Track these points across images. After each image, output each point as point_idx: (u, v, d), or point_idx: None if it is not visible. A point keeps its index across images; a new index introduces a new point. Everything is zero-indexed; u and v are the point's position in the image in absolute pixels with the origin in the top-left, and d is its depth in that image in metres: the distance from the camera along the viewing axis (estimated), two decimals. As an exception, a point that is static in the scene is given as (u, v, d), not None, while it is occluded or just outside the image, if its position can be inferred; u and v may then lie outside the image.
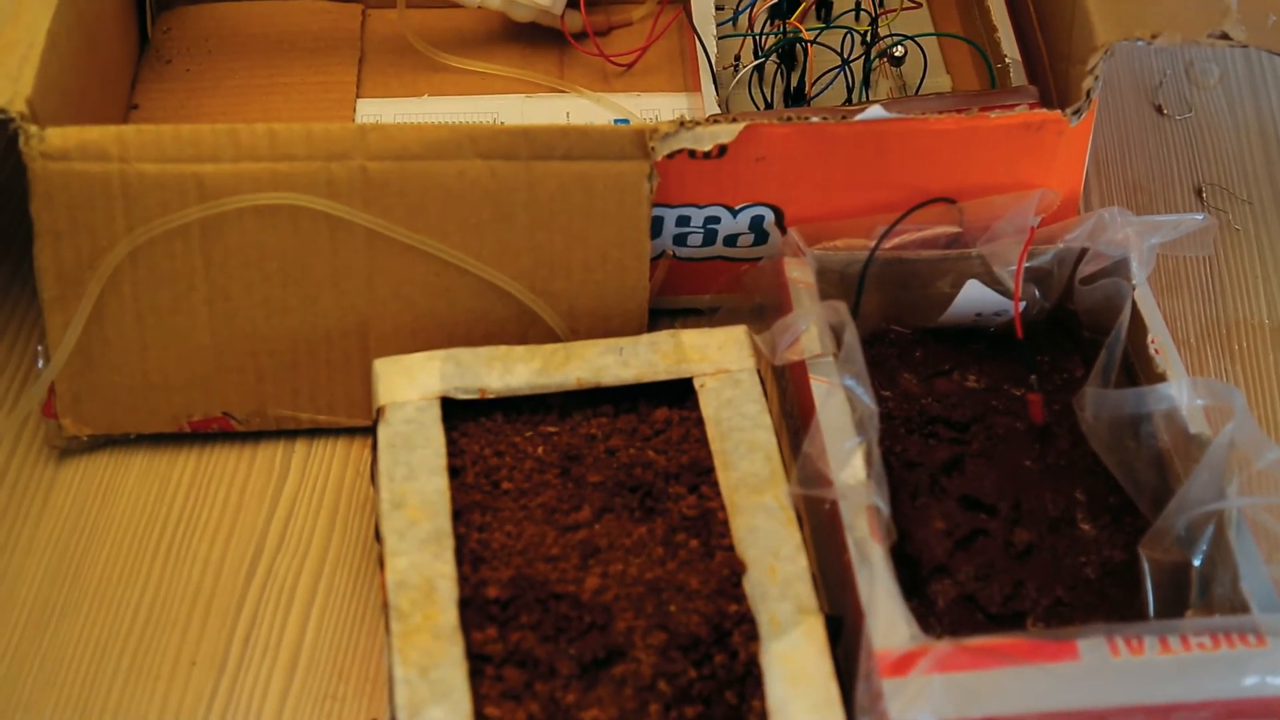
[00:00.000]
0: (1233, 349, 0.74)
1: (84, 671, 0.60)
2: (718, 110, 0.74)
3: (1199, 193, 0.81)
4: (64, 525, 0.65)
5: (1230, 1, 0.68)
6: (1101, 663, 0.52)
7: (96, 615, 0.62)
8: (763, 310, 0.69)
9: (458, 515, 0.59)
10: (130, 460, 0.67)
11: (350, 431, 0.68)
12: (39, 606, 0.62)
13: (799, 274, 0.66)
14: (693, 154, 0.66)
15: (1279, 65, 0.88)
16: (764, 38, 0.79)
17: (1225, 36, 0.67)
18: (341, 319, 0.66)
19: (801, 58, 0.78)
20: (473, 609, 0.56)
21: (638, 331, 0.68)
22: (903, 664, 0.52)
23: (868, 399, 0.60)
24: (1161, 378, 0.63)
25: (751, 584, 0.56)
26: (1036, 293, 0.68)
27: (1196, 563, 0.58)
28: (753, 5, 0.80)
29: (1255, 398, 0.72)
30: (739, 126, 0.65)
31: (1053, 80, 0.73)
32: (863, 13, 0.81)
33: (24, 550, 0.64)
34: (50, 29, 0.65)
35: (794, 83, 0.78)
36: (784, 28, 0.78)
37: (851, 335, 0.62)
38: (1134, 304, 0.65)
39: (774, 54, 0.78)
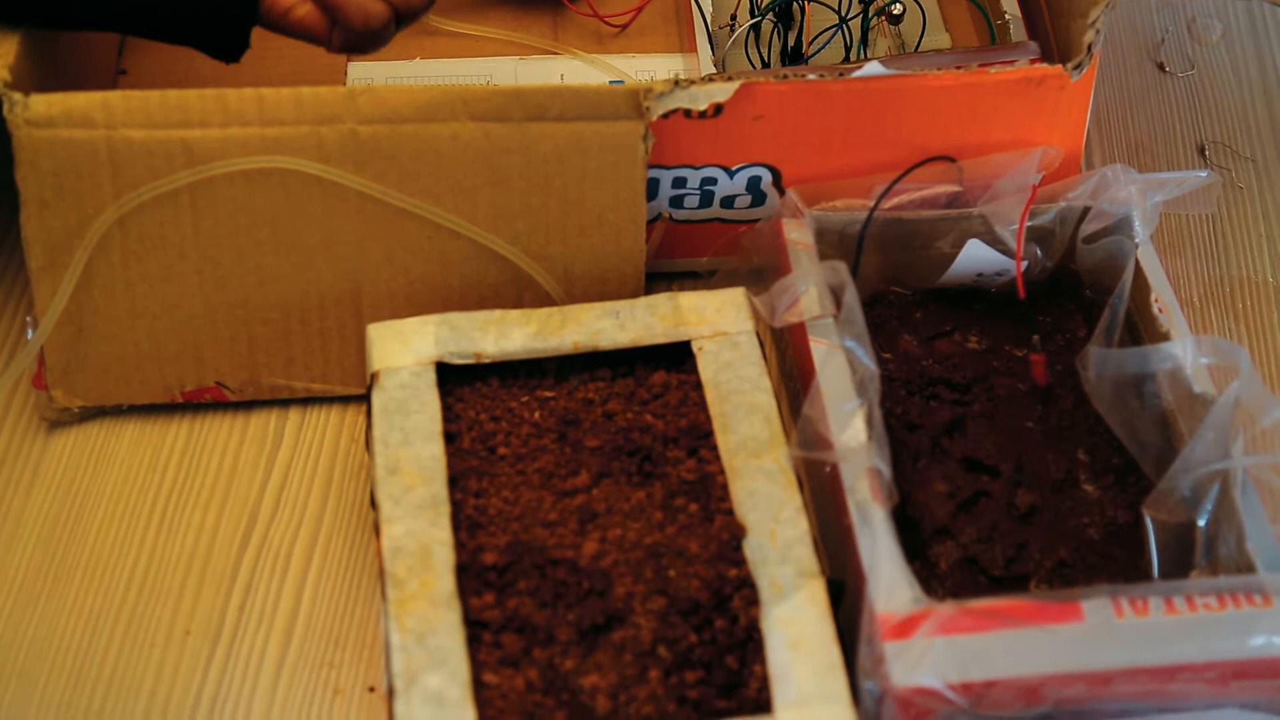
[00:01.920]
0: (1236, 308, 0.73)
1: (78, 641, 0.60)
2: (714, 70, 0.73)
3: (1202, 150, 0.80)
4: (56, 495, 0.64)
5: (1233, -45, 0.67)
6: (1106, 624, 0.52)
7: (90, 584, 0.62)
8: (761, 272, 0.68)
9: (454, 481, 0.58)
10: (122, 430, 0.67)
11: (344, 399, 0.68)
12: (32, 576, 0.62)
13: (797, 235, 0.65)
14: (688, 114, 0.65)
15: (1282, 20, 0.87)
16: (760, -4, 0.78)
17: (1229, -10, 0.66)
18: (334, 285, 0.65)
19: (798, 16, 0.77)
20: (470, 575, 0.56)
21: (635, 294, 0.67)
22: (905, 627, 0.52)
23: (868, 360, 0.59)
24: (1165, 337, 0.62)
25: (752, 548, 0.56)
26: (1038, 252, 0.67)
27: (1201, 523, 0.57)
28: (749, -36, 0.79)
29: (1259, 356, 0.71)
30: (735, 85, 0.65)
31: (1053, 35, 0.73)
32: (860, -30, 0.80)
33: (15, 520, 0.64)
34: (35, -7, 0.64)
35: (791, 42, 0.77)
36: (780, -14, 0.77)
37: (851, 296, 0.61)
38: (1137, 263, 0.64)
39: (770, 13, 0.77)
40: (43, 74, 0.64)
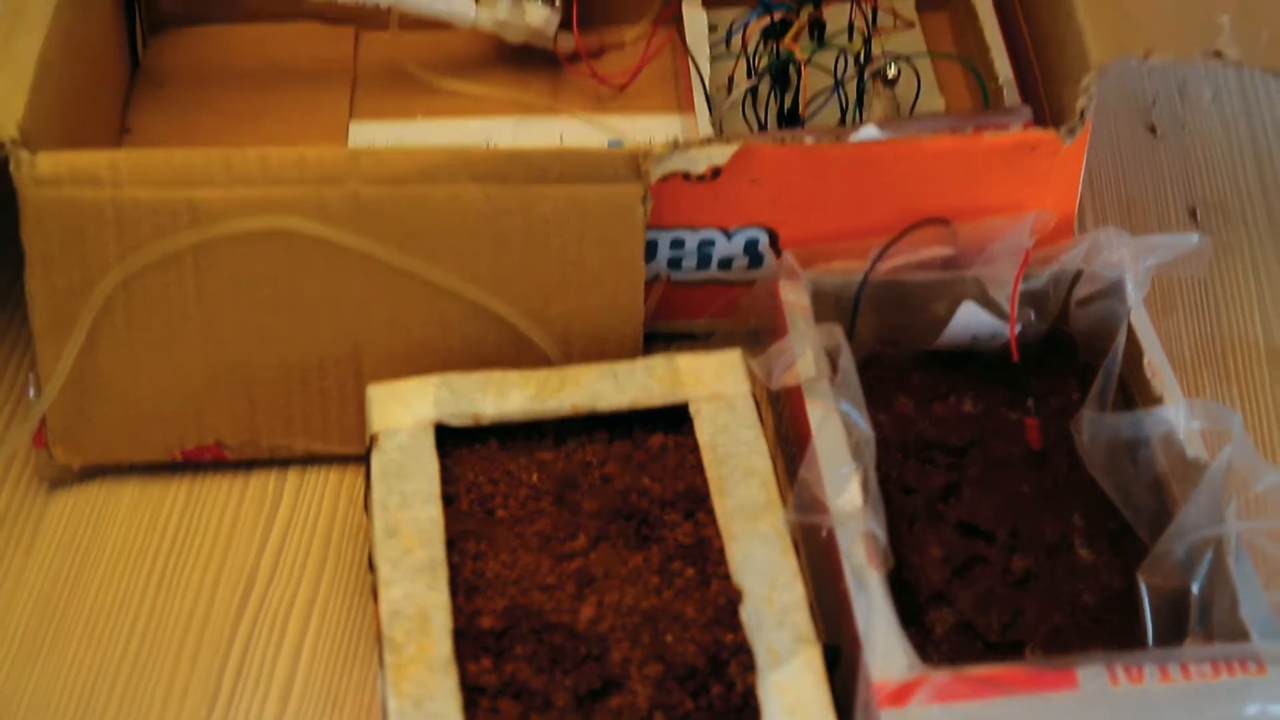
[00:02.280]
0: (1228, 369, 0.74)
1: (76, 702, 0.60)
2: (711, 132, 0.74)
3: (1193, 212, 0.81)
4: (55, 555, 0.65)
5: (1223, 20, 0.68)
6: (1101, 692, 0.52)
7: (88, 645, 0.62)
8: (758, 334, 0.68)
9: (452, 544, 0.59)
10: (121, 490, 0.67)
11: (344, 459, 0.68)
12: (31, 634, 0.62)
13: (794, 297, 0.66)
14: (687, 176, 0.66)
15: (1272, 84, 0.88)
16: (757, 59, 0.79)
17: (1218, 55, 0.67)
18: (335, 346, 0.66)
19: (795, 79, 0.78)
20: (467, 639, 0.56)
21: (633, 356, 0.67)
22: (901, 694, 0.52)
23: (864, 424, 0.60)
24: (1158, 401, 0.63)
25: (748, 613, 0.56)
26: (1032, 315, 0.67)
27: (1195, 589, 0.57)
28: (746, 26, 0.80)
29: (1251, 418, 0.71)
30: (733, 148, 0.65)
31: (1046, 100, 0.73)
32: (856, 33, 0.81)
33: (14, 580, 0.64)
34: (42, 54, 0.65)
35: (788, 104, 0.78)
36: (777, 49, 0.78)
37: (847, 359, 0.62)
38: (1129, 326, 0.65)
39: (767, 75, 0.78)
40: (50, 131, 0.65)
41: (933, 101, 0.80)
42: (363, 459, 0.65)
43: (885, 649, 0.53)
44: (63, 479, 0.67)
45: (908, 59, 0.78)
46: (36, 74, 0.64)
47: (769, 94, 0.78)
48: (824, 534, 0.58)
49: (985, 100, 0.78)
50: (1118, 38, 0.67)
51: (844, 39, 0.81)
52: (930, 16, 0.85)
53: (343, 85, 0.81)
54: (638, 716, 0.54)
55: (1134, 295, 0.66)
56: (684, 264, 0.69)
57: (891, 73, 0.78)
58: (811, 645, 0.55)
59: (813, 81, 0.78)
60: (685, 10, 0.80)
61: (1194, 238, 0.67)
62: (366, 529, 0.62)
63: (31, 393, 0.65)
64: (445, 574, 0.57)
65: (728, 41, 0.81)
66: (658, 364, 0.64)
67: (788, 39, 0.79)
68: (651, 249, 0.68)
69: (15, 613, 0.63)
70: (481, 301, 0.65)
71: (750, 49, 0.79)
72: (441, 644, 0.55)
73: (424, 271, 0.65)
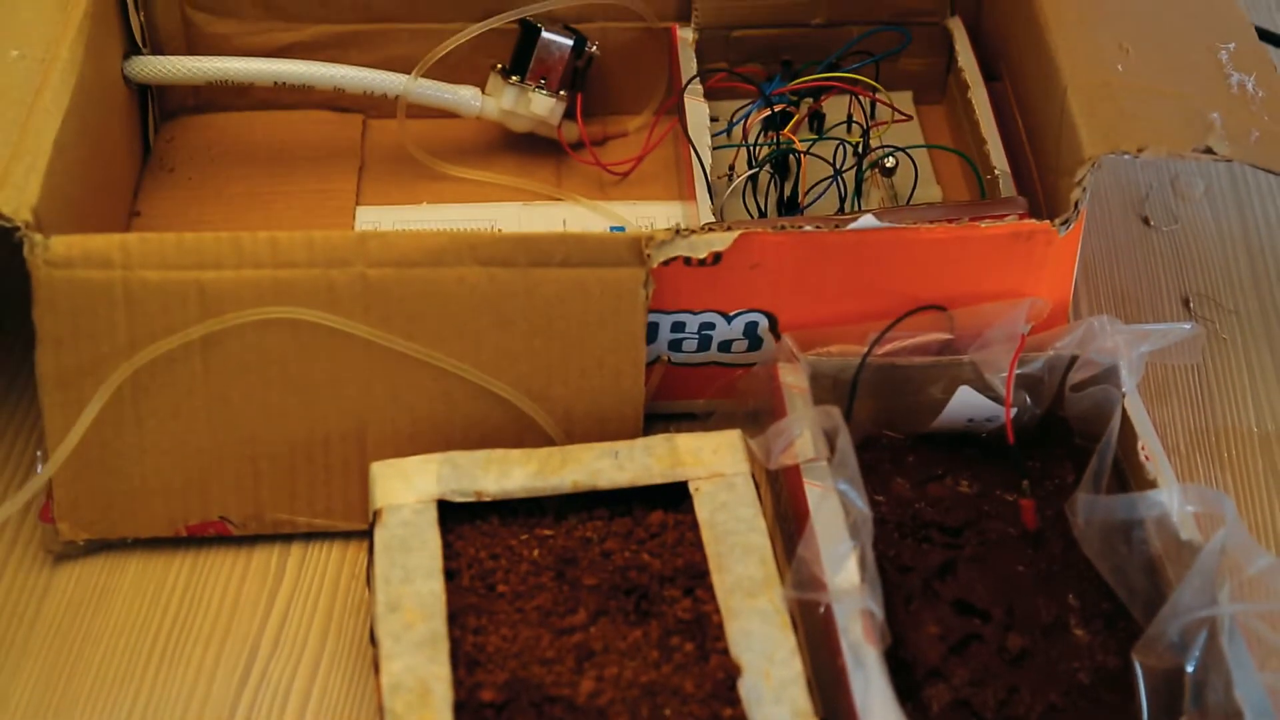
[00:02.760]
0: (1222, 456, 0.74)
1: (76, 776, 0.60)
2: (712, 219, 0.75)
3: (1186, 302, 0.82)
4: (58, 629, 0.65)
5: (1214, 117, 0.69)
6: (1097, 769, 0.52)
7: (91, 719, 0.62)
8: (757, 415, 0.69)
9: (453, 618, 0.59)
10: (125, 564, 0.68)
11: (346, 535, 0.69)
12: (33, 710, 0.62)
13: (793, 379, 0.67)
14: (688, 261, 0.67)
15: (1263, 179, 0.90)
16: (758, 148, 0.80)
17: (1209, 151, 0.68)
18: (340, 423, 0.66)
19: (794, 168, 0.80)
20: (468, 712, 0.56)
21: (633, 435, 0.68)
22: (898, 769, 0.52)
23: (861, 503, 0.60)
24: (1152, 484, 0.64)
25: (747, 688, 0.56)
26: (1028, 399, 0.68)
27: (1190, 669, 0.58)
28: (747, 117, 0.82)
29: (1244, 505, 0.72)
30: (734, 234, 0.67)
31: (1041, 191, 0.75)
32: (854, 125, 0.83)
33: (19, 654, 0.64)
34: (56, 139, 0.66)
35: (787, 192, 0.79)
36: (777, 139, 0.80)
37: (845, 440, 0.62)
38: (1124, 411, 0.66)
39: (768, 164, 0.79)
40: (62, 214, 0.66)
41: (930, 192, 0.82)
42: (365, 534, 0.65)
43: (882, 724, 0.53)
44: (68, 553, 0.67)
45: (905, 150, 0.80)
46: (51, 159, 0.65)
47: (769, 182, 0.80)
48: (822, 611, 0.59)
49: (981, 191, 0.80)
50: (1111, 133, 0.69)
51: (843, 130, 0.83)
52: (927, 110, 0.87)
53: (350, 171, 0.83)
54: (636, 790, 0.54)
55: (1128, 381, 0.67)
56: (684, 346, 0.71)
57: (889, 163, 0.80)
58: (809, 720, 0.55)
59: (812, 172, 0.80)
60: (687, 101, 0.81)
61: (1187, 325, 0.68)
62: (368, 603, 0.63)
63: (39, 468, 0.66)
64: (446, 647, 0.57)
65: (729, 131, 0.83)
66: (658, 443, 0.65)
67: (788, 129, 0.80)
68: (653, 331, 0.69)
69: (18, 686, 0.63)
70: (484, 384, 0.66)
71: (751, 138, 0.81)
72: (442, 716, 0.55)
73: (428, 356, 0.66)
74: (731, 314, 0.70)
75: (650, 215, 0.81)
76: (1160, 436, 0.66)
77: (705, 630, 0.59)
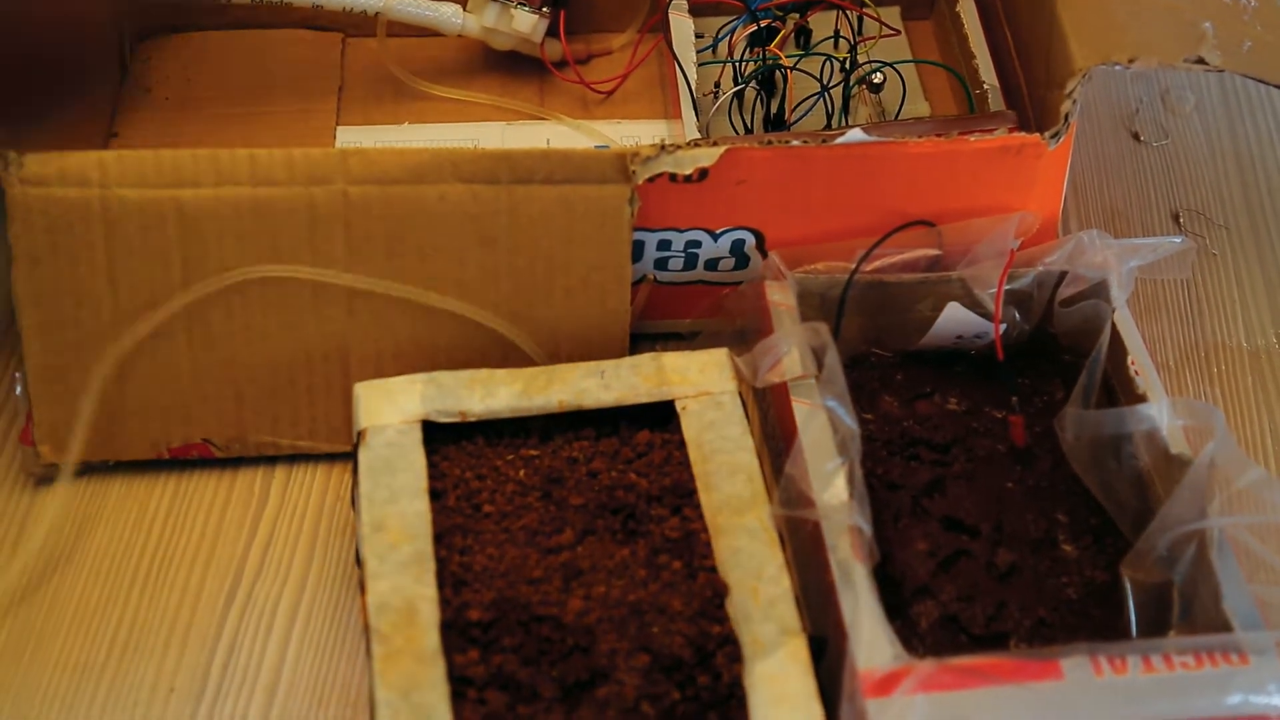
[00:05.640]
0: (1211, 371, 0.74)
1: (62, 698, 0.60)
2: (698, 136, 0.74)
3: (1176, 218, 0.82)
4: (41, 552, 0.64)
5: (1206, 27, 0.68)
6: (1085, 682, 0.52)
7: (74, 642, 0.62)
8: (744, 333, 0.69)
9: (439, 538, 0.59)
10: (108, 487, 0.67)
11: (330, 457, 0.68)
12: (15, 634, 0.62)
13: (780, 297, 0.66)
14: (674, 178, 0.66)
15: (1254, 91, 0.89)
16: (744, 65, 0.79)
17: (1201, 61, 0.67)
18: (322, 345, 0.66)
19: (781, 84, 0.79)
20: (454, 632, 0.56)
21: (619, 355, 0.68)
22: (886, 684, 0.52)
23: (849, 420, 0.60)
24: (1142, 399, 0.63)
25: (734, 605, 0.56)
26: (1016, 315, 0.68)
27: (1178, 582, 0.58)
28: (732, 33, 0.80)
29: (1234, 419, 0.72)
30: (720, 150, 0.66)
31: (1030, 105, 0.74)
32: (841, 40, 0.81)
33: (0, 576, 0.64)
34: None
35: (774, 109, 0.78)
36: (764, 55, 0.79)
37: (833, 357, 0.62)
38: (1113, 326, 0.65)
39: (754, 80, 0.78)
40: (36, 137, 0.65)
41: (918, 107, 0.81)
42: (349, 456, 0.65)
43: (871, 639, 0.53)
44: (49, 476, 0.67)
45: (893, 66, 0.79)
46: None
47: (755, 99, 0.79)
48: (810, 528, 0.59)
49: (970, 106, 0.79)
50: (1101, 44, 0.68)
51: (829, 45, 0.82)
52: (915, 25, 0.86)
53: (330, 91, 0.82)
54: (624, 707, 0.54)
55: (1118, 296, 0.67)
56: (670, 264, 0.70)
57: (877, 79, 0.79)
58: (797, 636, 0.55)
59: (798, 88, 0.79)
60: (672, 16, 0.80)
61: (1177, 239, 0.67)
62: (353, 524, 0.62)
63: (18, 390, 0.65)
64: (432, 567, 0.57)
65: (714, 48, 0.82)
66: (644, 362, 0.64)
67: (774, 45, 0.79)
68: (638, 250, 0.69)
69: (0, 609, 0.63)
70: (468, 314, 0.66)
71: (737, 54, 0.80)
72: (429, 635, 0.55)
73: (413, 295, 0.65)
74: (718, 231, 0.69)
75: (635, 134, 0.80)
76: (1150, 352, 0.65)
77: (693, 548, 0.59)
